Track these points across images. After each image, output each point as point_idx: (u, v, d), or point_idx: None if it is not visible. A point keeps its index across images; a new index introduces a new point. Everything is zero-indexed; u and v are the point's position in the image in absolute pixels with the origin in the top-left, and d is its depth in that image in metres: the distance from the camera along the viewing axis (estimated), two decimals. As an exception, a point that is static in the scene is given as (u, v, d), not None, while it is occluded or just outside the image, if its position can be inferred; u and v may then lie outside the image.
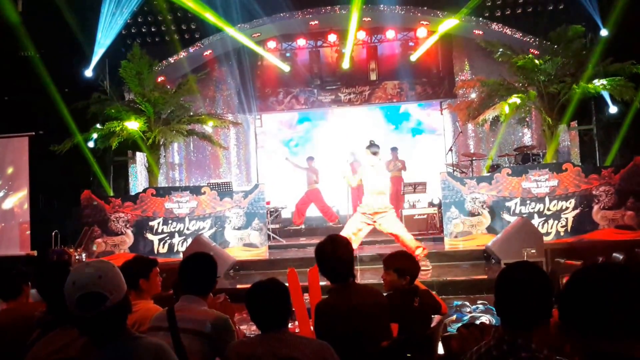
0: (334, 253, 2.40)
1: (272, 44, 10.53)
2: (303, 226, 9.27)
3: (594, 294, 1.06)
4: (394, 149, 9.60)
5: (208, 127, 9.55)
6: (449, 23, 9.39)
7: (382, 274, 2.93)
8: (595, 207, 6.69)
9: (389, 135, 11.30)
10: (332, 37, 10.40)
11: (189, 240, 6.73)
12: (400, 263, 2.81)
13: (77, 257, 6.26)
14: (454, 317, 4.61)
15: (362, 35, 10.31)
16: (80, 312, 1.50)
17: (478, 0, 9.16)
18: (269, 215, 8.06)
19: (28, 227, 7.63)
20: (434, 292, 3.13)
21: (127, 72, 8.75)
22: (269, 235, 7.59)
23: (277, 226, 8.77)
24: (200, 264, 2.37)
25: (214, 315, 2.17)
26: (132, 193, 9.46)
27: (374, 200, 5.69)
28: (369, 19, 9.94)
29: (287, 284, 2.17)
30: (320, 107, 11.19)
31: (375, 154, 5.77)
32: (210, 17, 9.29)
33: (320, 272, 2.46)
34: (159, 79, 9.54)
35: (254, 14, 9.84)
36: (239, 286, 5.70)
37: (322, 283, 5.33)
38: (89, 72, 9.19)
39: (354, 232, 5.69)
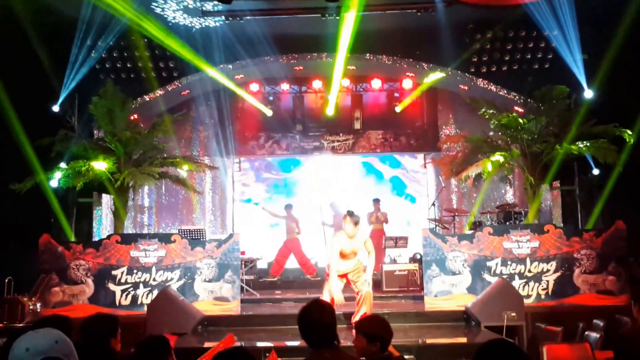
0: (321, 319, 2.52)
1: (254, 87, 11.15)
2: (277, 278, 9.55)
3: None
4: (376, 200, 10.14)
5: (182, 170, 9.89)
6: (435, 76, 10.24)
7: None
8: (577, 271, 7.23)
9: (371, 185, 11.88)
10: (316, 83, 11.12)
11: (155, 292, 6.93)
12: (371, 328, 2.83)
13: (31, 307, 6.38)
14: (431, 382, 4.93)
15: (347, 82, 11.08)
16: None
17: (464, 56, 10.07)
18: (243, 266, 8.33)
19: (-21, 271, 7.67)
20: (409, 358, 3.37)
21: (97, 108, 9.02)
22: (242, 288, 7.84)
23: (252, 277, 9.03)
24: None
25: None
26: (97, 237, 9.58)
27: (345, 264, 6.03)
28: (354, 67, 10.72)
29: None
30: (302, 154, 11.76)
31: (356, 224, 5.87)
32: (190, 56, 9.84)
33: (302, 338, 2.55)
34: (132, 118, 9.86)
35: (237, 55, 10.33)
36: (207, 344, 5.90)
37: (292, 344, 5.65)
38: (56, 108, 9.34)
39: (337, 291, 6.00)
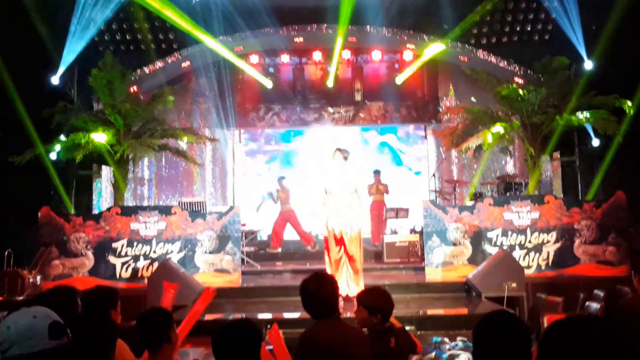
0: (321, 292, 2.44)
1: (254, 59, 10.64)
2: (280, 250, 9.21)
3: (571, 351, 1.10)
4: (377, 172, 9.67)
5: (182, 142, 9.47)
6: (435, 48, 9.71)
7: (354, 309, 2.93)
8: (577, 241, 6.87)
9: (371, 157, 11.45)
10: (317, 55, 10.61)
11: (155, 265, 6.56)
12: (372, 300, 2.79)
13: (31, 280, 6.03)
14: (433, 354, 4.62)
15: (347, 54, 10.55)
16: (56, 339, 1.46)
17: (464, 27, 9.53)
18: (244, 238, 7.97)
19: (-22, 244, 7.33)
20: (410, 329, 3.13)
21: (97, 81, 8.63)
22: (242, 260, 7.50)
23: (252, 249, 8.68)
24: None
25: None
26: (96, 210, 9.25)
27: (342, 216, 5.58)
28: (354, 39, 10.19)
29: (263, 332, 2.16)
30: (302, 126, 11.28)
31: (346, 158, 5.59)
32: (190, 27, 9.32)
33: (305, 309, 2.49)
34: (132, 90, 9.44)
35: (237, 27, 9.90)
36: (207, 317, 5.58)
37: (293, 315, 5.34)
38: (55, 80, 9.02)
39: (337, 257, 5.62)
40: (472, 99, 10.10)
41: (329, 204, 5.65)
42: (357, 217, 5.68)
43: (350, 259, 5.66)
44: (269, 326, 3.81)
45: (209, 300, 3.32)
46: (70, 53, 9.26)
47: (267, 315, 5.50)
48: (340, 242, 5.64)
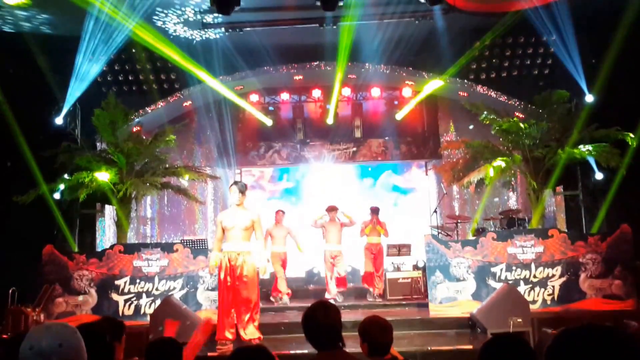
0: (326, 320, 2.49)
1: (254, 97, 11.20)
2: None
3: (581, 354, 1.14)
4: (375, 210, 8.99)
5: (184, 181, 9.91)
6: (434, 84, 10.26)
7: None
8: (582, 276, 7.18)
9: (371, 194, 11.84)
10: (316, 93, 11.14)
11: (158, 302, 6.92)
12: (361, 327, 2.79)
13: (35, 318, 6.37)
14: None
15: (347, 91, 11.10)
16: None
17: (463, 62, 10.08)
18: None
19: (-19, 283, 7.66)
20: None
21: (100, 120, 9.10)
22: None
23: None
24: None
25: None
26: (99, 248, 9.57)
27: (233, 243, 5.71)
28: (354, 76, 10.77)
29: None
30: (303, 163, 11.76)
31: (242, 192, 5.72)
32: (191, 67, 9.93)
33: (307, 339, 2.52)
34: (134, 129, 9.93)
35: (237, 66, 10.44)
36: (209, 354, 5.87)
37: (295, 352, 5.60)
38: (59, 120, 9.39)
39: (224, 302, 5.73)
40: (470, 127, 10.52)
41: (226, 240, 5.84)
42: (250, 254, 5.75)
43: (243, 301, 5.66)
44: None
45: (209, 333, 3.51)
46: (74, 94, 9.73)
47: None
48: (232, 281, 5.69)
